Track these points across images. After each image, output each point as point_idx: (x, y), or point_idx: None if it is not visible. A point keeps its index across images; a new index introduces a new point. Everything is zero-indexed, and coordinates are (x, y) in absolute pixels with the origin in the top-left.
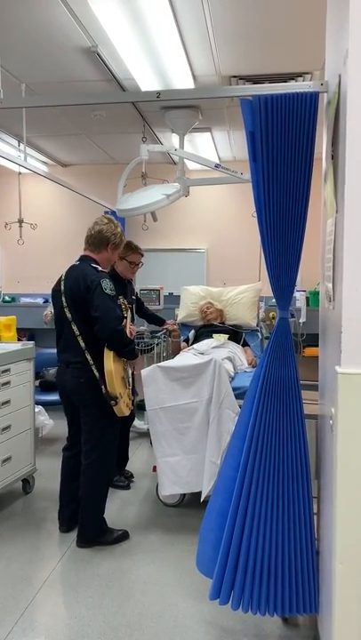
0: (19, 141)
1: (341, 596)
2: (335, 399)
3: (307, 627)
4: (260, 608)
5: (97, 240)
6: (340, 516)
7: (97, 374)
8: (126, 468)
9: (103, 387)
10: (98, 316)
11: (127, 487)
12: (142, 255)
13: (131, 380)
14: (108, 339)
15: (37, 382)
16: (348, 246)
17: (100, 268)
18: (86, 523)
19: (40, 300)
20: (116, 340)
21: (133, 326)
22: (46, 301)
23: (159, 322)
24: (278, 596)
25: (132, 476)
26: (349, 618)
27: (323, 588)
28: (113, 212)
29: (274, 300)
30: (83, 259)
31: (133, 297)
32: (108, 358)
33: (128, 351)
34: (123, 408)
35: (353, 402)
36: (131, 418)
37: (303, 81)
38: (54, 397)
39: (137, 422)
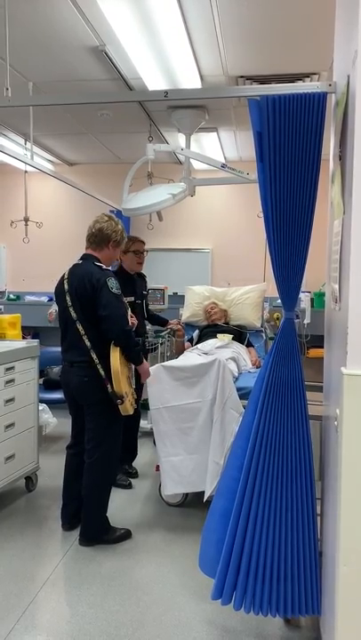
0: (25, 140)
1: (344, 597)
2: (340, 400)
3: (309, 628)
4: (263, 609)
5: (98, 238)
6: (343, 518)
7: (103, 373)
8: (132, 465)
9: (109, 386)
10: (106, 315)
11: (129, 486)
12: (144, 243)
13: (135, 379)
14: (115, 338)
15: (41, 380)
16: (355, 247)
17: (104, 267)
18: (89, 521)
19: (45, 299)
20: (124, 339)
21: (134, 318)
22: (51, 300)
23: (162, 323)
24: (281, 597)
25: (136, 473)
26: (352, 620)
27: (325, 589)
28: (118, 212)
29: (279, 301)
30: (85, 257)
31: (145, 292)
32: (115, 357)
33: (135, 353)
34: (128, 407)
35: (358, 403)
36: (138, 414)
37: (311, 81)
38: (58, 395)
39: (140, 422)
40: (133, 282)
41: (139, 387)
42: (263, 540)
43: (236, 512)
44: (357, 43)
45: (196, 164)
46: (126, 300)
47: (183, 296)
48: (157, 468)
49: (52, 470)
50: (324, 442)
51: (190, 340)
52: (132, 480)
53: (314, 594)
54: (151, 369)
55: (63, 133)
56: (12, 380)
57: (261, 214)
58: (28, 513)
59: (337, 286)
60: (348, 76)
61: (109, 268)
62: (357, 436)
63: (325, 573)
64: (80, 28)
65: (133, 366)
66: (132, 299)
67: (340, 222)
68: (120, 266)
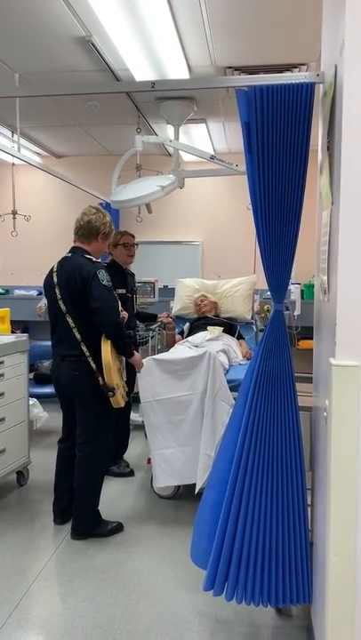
0: (12, 132)
1: (334, 586)
2: (329, 391)
3: (300, 617)
4: (254, 599)
5: (87, 231)
6: (333, 508)
7: (94, 366)
8: (124, 458)
9: (100, 378)
10: (97, 307)
11: (131, 473)
12: (133, 236)
13: (125, 371)
14: (107, 330)
15: (32, 375)
16: (344, 238)
17: (94, 259)
18: (81, 515)
19: (34, 293)
20: (116, 331)
21: (124, 312)
22: (40, 293)
23: (151, 318)
24: (272, 587)
25: (127, 466)
26: (342, 608)
27: (316, 578)
28: (107, 204)
29: (269, 293)
30: (74, 250)
31: (135, 288)
32: (106, 350)
33: (126, 346)
34: (119, 399)
35: (347, 394)
36: (128, 407)
37: (299, 72)
38: (48, 390)
39: (132, 415)
40: (125, 276)
41: (130, 379)
42: (254, 530)
43: (227, 503)
44: (344, 33)
45: (186, 156)
46: (118, 292)
47: (173, 289)
48: (149, 460)
49: (44, 464)
50: (314, 433)
51: (181, 333)
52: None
53: (305, 583)
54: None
55: (50, 125)
56: (2, 375)
57: (251, 206)
58: (20, 507)
59: (326, 278)
60: (336, 66)
61: (99, 260)
62: (346, 426)
63: (316, 563)
64: (66, 19)
65: (124, 358)
66: (124, 291)
67: (329, 213)
68: (112, 259)
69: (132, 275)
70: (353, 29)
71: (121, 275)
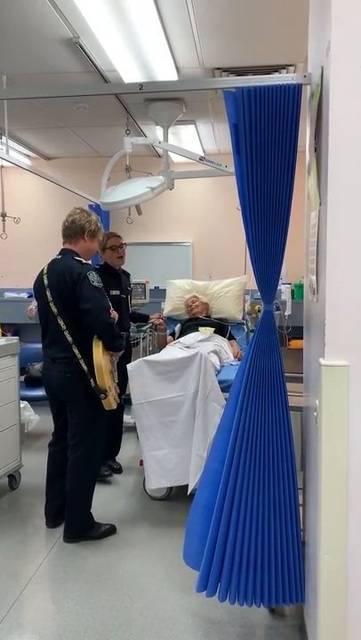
0: (0, 134)
1: (327, 586)
2: (319, 391)
3: (293, 616)
4: (247, 599)
5: (72, 230)
6: (325, 508)
7: (85, 368)
8: (116, 460)
9: (92, 380)
10: (88, 308)
11: (109, 475)
12: (119, 237)
13: (117, 373)
14: (99, 332)
15: (22, 378)
16: (331, 238)
17: (84, 261)
18: (73, 517)
19: (25, 295)
20: (108, 332)
21: (115, 313)
22: (31, 296)
23: (143, 319)
24: (265, 587)
25: (120, 468)
26: (334, 607)
27: (308, 577)
28: (97, 206)
29: (259, 293)
30: (64, 252)
31: (129, 288)
32: (97, 352)
33: (117, 344)
34: (111, 401)
35: (336, 394)
36: (120, 409)
37: (287, 73)
38: (40, 393)
39: (124, 416)
40: (119, 277)
41: (122, 381)
42: (246, 531)
43: (220, 504)
44: (330, 34)
45: (175, 157)
46: (112, 293)
47: (164, 290)
48: (141, 462)
49: (35, 468)
50: (305, 432)
51: (172, 334)
52: (116, 475)
53: (297, 582)
54: (133, 363)
55: (39, 127)
56: None
57: (240, 207)
58: (12, 511)
59: (314, 278)
60: (322, 68)
61: (89, 262)
62: (336, 426)
63: (308, 562)
64: (53, 20)
65: (116, 361)
66: (118, 292)
67: (317, 214)
68: (104, 262)
69: (128, 274)
70: (338, 31)
71: (113, 276)
